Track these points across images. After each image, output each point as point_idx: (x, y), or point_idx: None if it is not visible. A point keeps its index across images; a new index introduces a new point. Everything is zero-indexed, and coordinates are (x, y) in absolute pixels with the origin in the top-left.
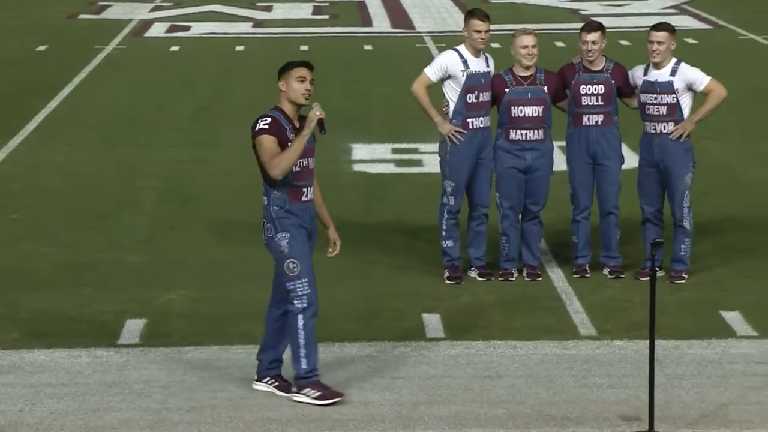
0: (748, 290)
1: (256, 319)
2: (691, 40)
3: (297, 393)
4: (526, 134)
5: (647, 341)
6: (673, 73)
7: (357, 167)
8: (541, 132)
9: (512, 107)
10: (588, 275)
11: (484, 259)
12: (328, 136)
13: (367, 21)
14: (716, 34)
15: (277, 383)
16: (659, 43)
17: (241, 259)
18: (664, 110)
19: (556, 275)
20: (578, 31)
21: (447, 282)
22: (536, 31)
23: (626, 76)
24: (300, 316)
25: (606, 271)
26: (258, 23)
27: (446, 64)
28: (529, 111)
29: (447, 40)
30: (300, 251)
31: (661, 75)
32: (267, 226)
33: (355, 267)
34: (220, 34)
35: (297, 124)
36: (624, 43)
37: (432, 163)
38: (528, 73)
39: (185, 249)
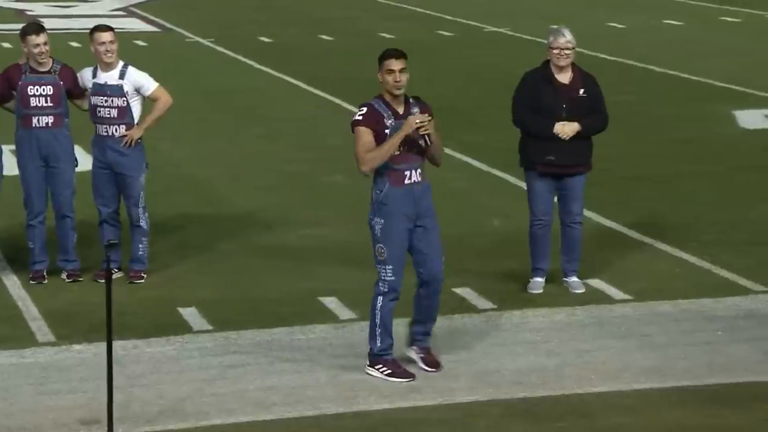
0: (203, 286)
1: None
2: (141, 42)
3: (370, 367)
4: None
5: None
6: (122, 76)
7: None
8: None
9: None
10: (46, 281)
11: None
12: None
13: None
14: (165, 36)
15: (422, 355)
16: (110, 42)
17: None
18: (115, 113)
19: (12, 282)
20: (19, 33)
21: None
22: None
23: (75, 77)
24: (380, 298)
25: (64, 276)
26: None
27: None
28: None
29: None
30: (390, 238)
31: (110, 77)
32: (371, 206)
33: None
34: None
35: (401, 110)
36: (74, 44)
37: None
38: None
39: None
